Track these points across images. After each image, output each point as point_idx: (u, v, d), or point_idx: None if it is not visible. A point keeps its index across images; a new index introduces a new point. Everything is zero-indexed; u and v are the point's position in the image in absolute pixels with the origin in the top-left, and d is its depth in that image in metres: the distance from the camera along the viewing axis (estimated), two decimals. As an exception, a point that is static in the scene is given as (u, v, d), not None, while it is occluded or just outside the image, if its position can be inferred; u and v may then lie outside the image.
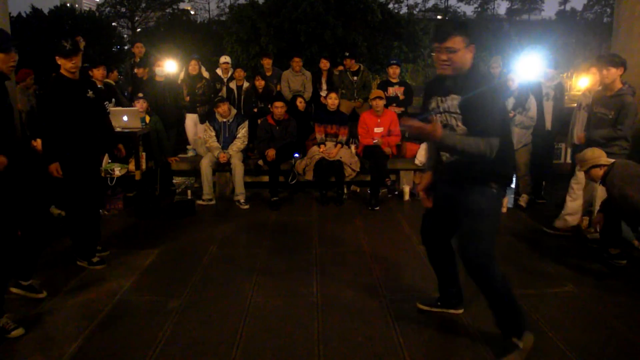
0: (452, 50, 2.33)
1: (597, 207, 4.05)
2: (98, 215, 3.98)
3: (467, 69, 2.40)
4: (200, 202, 5.47)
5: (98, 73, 5.52)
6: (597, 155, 3.60)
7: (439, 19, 43.13)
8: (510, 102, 5.16)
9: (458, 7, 49.77)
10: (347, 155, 5.75)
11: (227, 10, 35.67)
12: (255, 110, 6.53)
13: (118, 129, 5.24)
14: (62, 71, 3.48)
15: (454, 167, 2.50)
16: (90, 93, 3.62)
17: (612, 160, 3.57)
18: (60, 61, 3.43)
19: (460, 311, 2.92)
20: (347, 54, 7.01)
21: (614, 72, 4.03)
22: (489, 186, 2.43)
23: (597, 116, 4.19)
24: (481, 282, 2.46)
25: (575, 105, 5.14)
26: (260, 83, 6.50)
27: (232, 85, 6.78)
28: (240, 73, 6.81)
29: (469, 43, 2.36)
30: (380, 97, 5.80)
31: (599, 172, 3.54)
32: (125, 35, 36.97)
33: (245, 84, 6.82)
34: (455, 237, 2.55)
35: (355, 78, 6.80)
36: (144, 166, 5.40)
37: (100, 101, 3.88)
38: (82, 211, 3.68)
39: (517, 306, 2.48)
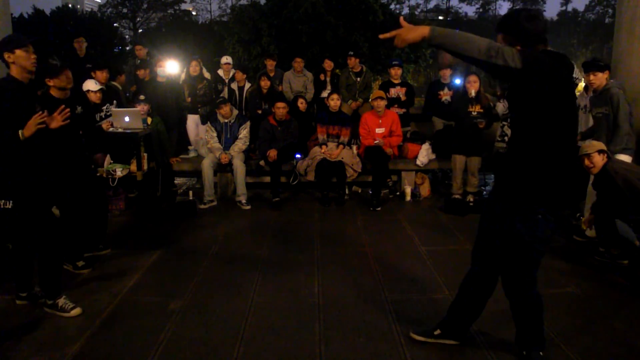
0: None
1: (588, 205, 4.20)
2: (103, 216, 4.01)
3: None
4: (202, 206, 5.46)
5: (101, 75, 5.53)
6: (603, 145, 3.81)
7: (440, 20, 43.12)
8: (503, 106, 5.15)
9: (460, 8, 49.73)
10: (349, 156, 5.75)
11: (228, 10, 35.69)
12: (260, 112, 6.51)
13: (120, 130, 5.26)
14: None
15: (504, 179, 2.19)
16: (79, 109, 3.51)
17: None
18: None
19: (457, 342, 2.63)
20: (352, 52, 7.01)
21: (601, 77, 4.16)
22: (533, 212, 2.12)
23: (597, 117, 4.32)
24: (520, 305, 2.37)
25: None
26: (265, 83, 6.47)
27: (234, 86, 6.78)
28: (239, 75, 6.81)
29: (512, 42, 2.06)
30: (381, 98, 5.81)
31: (600, 160, 3.67)
32: (127, 36, 37.01)
33: (247, 85, 6.82)
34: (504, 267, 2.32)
35: (358, 79, 6.80)
36: (145, 167, 5.41)
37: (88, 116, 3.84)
38: (75, 214, 3.62)
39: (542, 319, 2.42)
